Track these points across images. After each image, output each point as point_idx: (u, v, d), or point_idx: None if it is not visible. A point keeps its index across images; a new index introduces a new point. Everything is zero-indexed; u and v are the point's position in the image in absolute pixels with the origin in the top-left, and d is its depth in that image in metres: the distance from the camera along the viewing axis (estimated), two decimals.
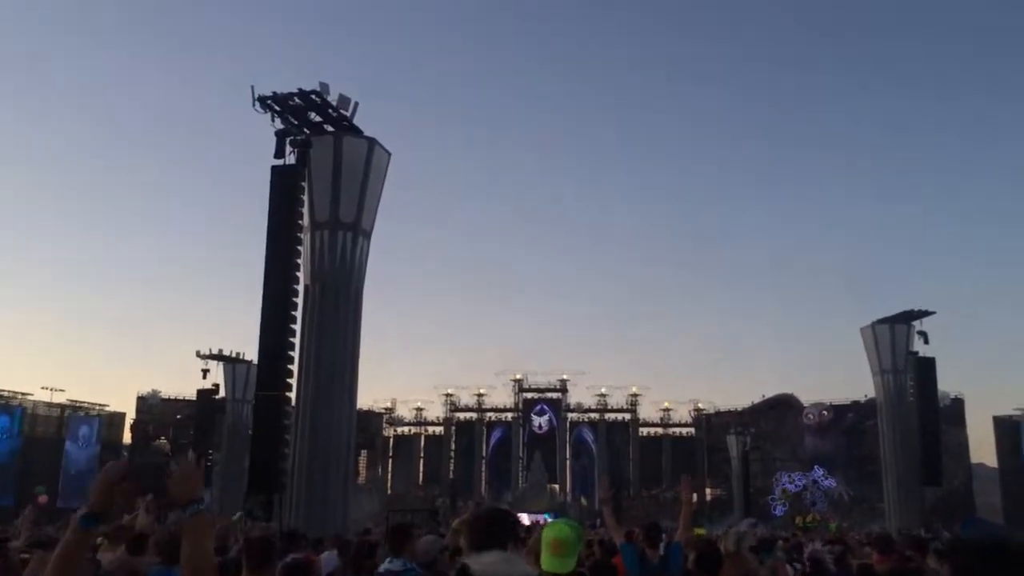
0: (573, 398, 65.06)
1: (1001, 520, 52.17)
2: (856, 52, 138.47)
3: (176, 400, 56.01)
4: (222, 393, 44.22)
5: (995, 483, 58.19)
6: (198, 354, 42.18)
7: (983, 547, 2.51)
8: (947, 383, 45.13)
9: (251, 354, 41.51)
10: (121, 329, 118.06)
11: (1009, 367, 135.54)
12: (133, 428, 57.05)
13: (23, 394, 52.00)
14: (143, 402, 57.00)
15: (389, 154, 24.96)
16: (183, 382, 77.45)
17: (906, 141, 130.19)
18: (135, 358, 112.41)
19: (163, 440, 57.26)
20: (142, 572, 5.28)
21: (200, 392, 43.87)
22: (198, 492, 2.70)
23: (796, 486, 55.94)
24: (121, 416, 57.23)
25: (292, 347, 21.57)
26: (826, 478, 55.37)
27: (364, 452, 59.62)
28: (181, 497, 2.68)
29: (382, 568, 5.44)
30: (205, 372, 42.28)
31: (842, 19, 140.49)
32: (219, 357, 43.19)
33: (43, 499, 36.55)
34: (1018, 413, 56.54)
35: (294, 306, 21.78)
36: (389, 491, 61.10)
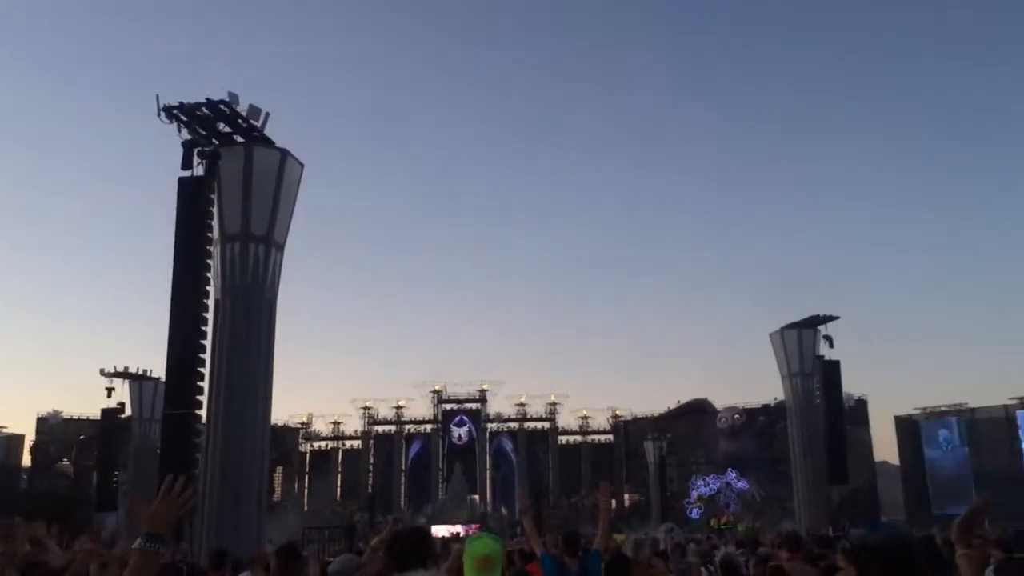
0: (492, 408, 65.22)
1: (903, 515, 54.56)
2: (769, 53, 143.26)
3: (79, 420, 53.76)
4: (128, 412, 42.65)
5: (897, 480, 60.73)
6: (102, 372, 40.53)
7: (883, 548, 2.64)
8: (851, 385, 46.95)
9: (158, 371, 40.23)
10: (19, 348, 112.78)
11: (909, 369, 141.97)
12: (33, 450, 54.51)
13: None
14: (43, 423, 54.55)
15: (302, 165, 24.52)
16: (86, 402, 74.55)
17: (813, 148, 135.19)
18: (34, 378, 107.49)
19: (66, 462, 54.90)
20: None
21: (104, 411, 42.15)
22: (164, 527, 2.60)
23: (711, 489, 57.21)
24: (20, 438, 54.64)
25: (202, 363, 20.89)
26: (739, 480, 56.79)
27: (280, 469, 58.38)
28: (151, 524, 2.58)
29: None
30: (110, 391, 40.64)
31: (745, 20, 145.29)
32: (124, 375, 41.62)
33: None
34: (918, 412, 59.21)
35: (204, 321, 21.11)
36: (306, 507, 59.89)
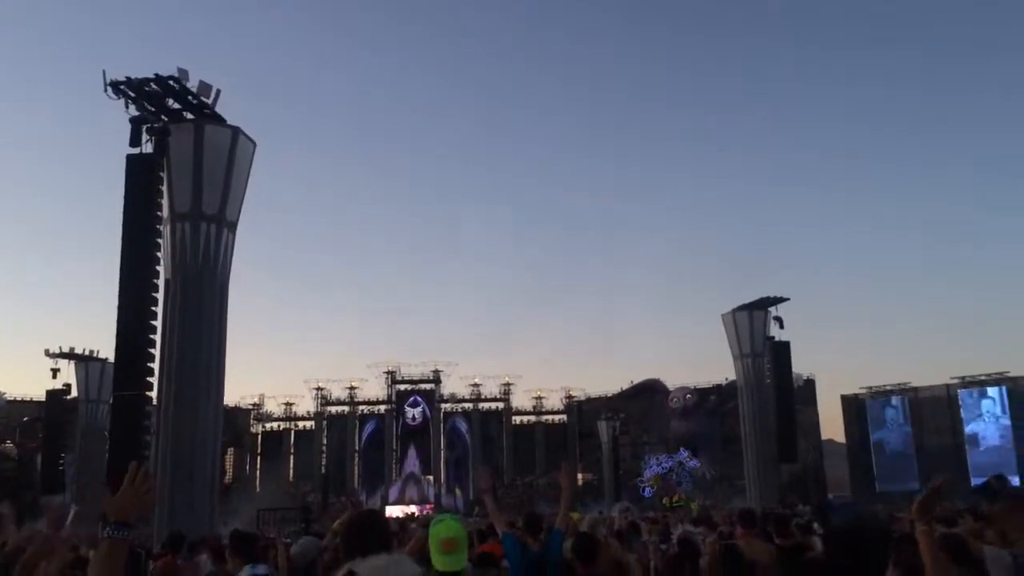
0: (447, 389, 65.14)
1: (849, 492, 55.95)
2: (727, 41, 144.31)
3: (22, 402, 52.48)
4: (74, 393, 41.80)
5: (843, 458, 62.15)
6: (47, 352, 39.63)
7: (861, 531, 2.70)
8: (800, 365, 47.87)
9: (106, 352, 39.43)
10: None
11: (855, 349, 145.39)
12: None
13: None
14: None
15: (254, 144, 24.16)
16: (30, 383, 72.79)
17: (766, 134, 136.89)
18: None
19: (9, 444, 53.61)
20: None
21: (50, 393, 41.26)
22: (133, 516, 2.55)
23: (663, 468, 57.98)
24: None
25: (152, 344, 20.54)
26: (691, 459, 57.64)
27: (231, 450, 57.70)
28: (117, 513, 2.53)
29: (246, 573, 5.24)
30: (55, 371, 39.81)
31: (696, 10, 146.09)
32: (70, 356, 40.74)
33: None
34: (863, 392, 60.58)
35: (154, 301, 20.74)
36: (258, 489, 59.37)
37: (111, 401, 24.73)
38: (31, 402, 50.56)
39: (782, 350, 40.69)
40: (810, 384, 57.93)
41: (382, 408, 64.41)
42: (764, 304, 41.07)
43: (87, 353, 41.15)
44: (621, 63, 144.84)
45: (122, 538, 2.53)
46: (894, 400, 58.58)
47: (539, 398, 66.78)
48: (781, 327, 40.54)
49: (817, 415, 58.76)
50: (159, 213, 21.53)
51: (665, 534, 10.05)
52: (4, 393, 53.28)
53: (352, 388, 64.22)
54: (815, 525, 12.17)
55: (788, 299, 40.72)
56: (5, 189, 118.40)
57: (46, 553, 4.96)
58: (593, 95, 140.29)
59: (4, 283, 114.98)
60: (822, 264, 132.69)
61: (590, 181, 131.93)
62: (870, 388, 60.40)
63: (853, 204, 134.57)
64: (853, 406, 60.15)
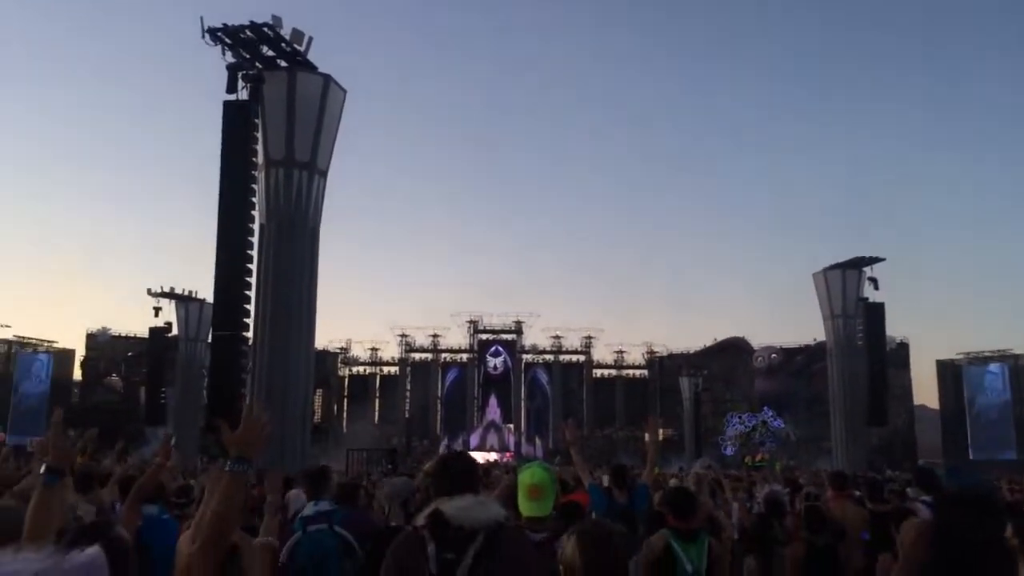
0: (528, 340, 65.62)
1: (940, 459, 54.34)
2: None
3: (127, 338, 55.21)
4: (175, 331, 43.71)
5: (935, 424, 60.33)
6: (149, 292, 41.46)
7: (968, 499, 2.58)
8: (893, 327, 46.35)
9: (203, 292, 41.04)
10: (70, 265, 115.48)
11: (953, 313, 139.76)
12: (83, 365, 56.26)
13: None
14: (93, 339, 56.10)
15: (345, 91, 24.40)
16: (133, 320, 76.44)
17: (866, 85, 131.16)
18: (84, 295, 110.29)
19: (115, 377, 56.63)
20: (107, 505, 5.22)
21: (152, 330, 43.31)
22: (253, 451, 2.64)
23: (746, 427, 57.39)
24: (71, 353, 56.36)
25: (248, 286, 21.24)
26: (775, 419, 56.83)
27: (320, 392, 59.63)
28: (237, 448, 2.61)
29: (309, 510, 5.31)
30: (157, 310, 41.70)
31: None
32: (171, 295, 42.51)
33: (1, 436, 35.91)
34: (960, 358, 58.42)
35: (250, 245, 21.37)
36: (344, 431, 61.31)
37: (210, 340, 25.75)
38: (134, 338, 53.16)
39: (875, 312, 39.41)
40: (903, 347, 56.24)
41: (464, 357, 65.35)
42: (858, 264, 39.73)
43: (187, 293, 42.84)
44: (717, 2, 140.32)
45: (243, 472, 2.62)
46: (993, 367, 56.35)
47: (620, 352, 66.69)
48: (876, 288, 39.23)
49: (910, 379, 57.15)
50: (254, 159, 22.04)
51: (750, 493, 9.93)
52: (109, 329, 56.12)
53: (436, 336, 65.31)
54: (908, 490, 11.85)
55: (884, 259, 39.28)
56: (110, 134, 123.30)
57: (157, 481, 5.22)
58: (701, 35, 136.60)
59: (110, 224, 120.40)
60: (922, 223, 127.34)
61: (679, 125, 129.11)
62: (968, 354, 58.21)
63: (957, 162, 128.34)
64: (949, 371, 58.15)
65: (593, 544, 2.73)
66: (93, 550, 1.61)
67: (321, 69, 23.90)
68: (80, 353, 56.33)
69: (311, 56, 23.63)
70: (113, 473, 6.57)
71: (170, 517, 5.59)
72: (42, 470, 2.83)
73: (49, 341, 55.61)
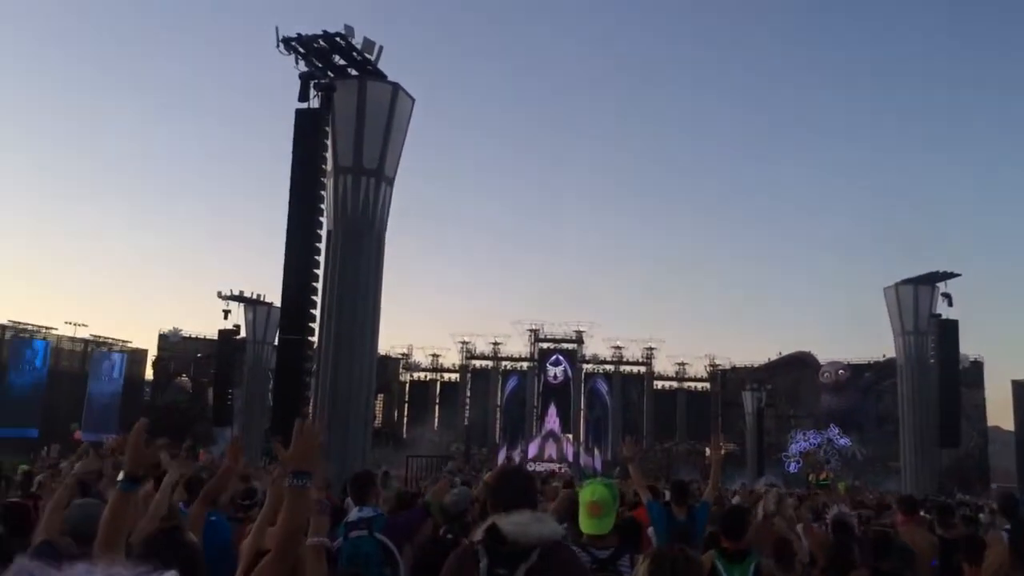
0: (589, 349, 65.33)
1: (1015, 483, 52.29)
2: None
3: (197, 339, 56.65)
4: (243, 334, 44.73)
5: (1010, 447, 58.13)
6: (219, 295, 42.54)
7: None
8: (967, 345, 44.81)
9: (271, 296, 41.94)
10: (145, 267, 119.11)
11: None
12: (155, 365, 57.91)
13: (47, 328, 52.73)
14: (164, 340, 57.72)
15: (413, 100, 24.68)
16: (203, 321, 78.47)
17: (941, 97, 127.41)
18: (157, 296, 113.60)
19: (184, 378, 58.16)
20: (176, 510, 5.36)
21: (221, 332, 44.42)
22: (312, 464, 2.69)
23: (811, 444, 56.17)
24: (143, 353, 58.05)
25: (315, 291, 21.67)
26: (841, 436, 55.47)
27: (380, 396, 60.30)
28: (294, 464, 2.68)
29: (352, 516, 5.37)
30: (226, 313, 42.76)
31: None
32: (240, 298, 43.54)
33: (78, 434, 37.28)
34: None
35: (317, 251, 21.80)
36: (405, 436, 61.86)
37: (276, 343, 26.28)
38: (203, 339, 54.54)
39: (949, 329, 38.22)
40: (977, 366, 54.40)
41: (524, 365, 65.39)
42: (932, 279, 38.57)
43: (255, 297, 43.82)
44: (778, 14, 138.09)
45: (303, 486, 2.66)
46: None
47: (682, 364, 65.94)
48: (950, 304, 38.06)
49: (984, 399, 55.19)
50: (324, 166, 22.48)
51: (818, 513, 9.70)
52: (181, 330, 57.70)
53: (496, 344, 65.52)
54: (981, 516, 11.44)
55: (959, 275, 38.07)
56: (186, 139, 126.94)
57: (226, 484, 5.36)
58: (763, 47, 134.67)
59: (183, 227, 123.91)
60: (999, 238, 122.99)
61: (747, 136, 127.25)
62: None
63: None
64: None
65: (667, 569, 2.72)
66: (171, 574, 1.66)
67: (391, 78, 24.27)
68: (152, 353, 58.02)
69: (381, 65, 24.02)
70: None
71: (219, 518, 5.72)
72: (120, 476, 2.89)
73: (123, 341, 57.42)
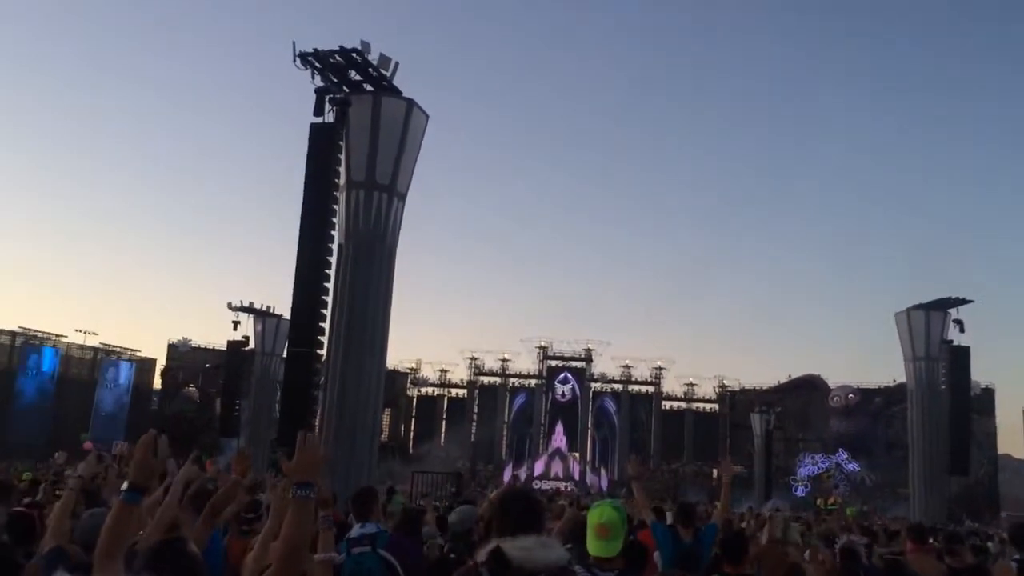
0: (597, 368, 65.10)
1: None
2: (914, 22, 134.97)
3: (206, 349, 56.77)
4: (251, 345, 44.79)
5: (1021, 475, 57.69)
6: (229, 306, 42.65)
7: None
8: (978, 372, 44.51)
9: (281, 308, 42.01)
10: (155, 276, 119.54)
11: None
12: (163, 374, 58.01)
13: (57, 335, 52.94)
14: (174, 349, 57.83)
15: (427, 116, 24.81)
16: (212, 332, 78.68)
17: (957, 119, 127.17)
18: (167, 306, 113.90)
19: (192, 388, 58.22)
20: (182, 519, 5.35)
21: (230, 343, 44.50)
22: (314, 475, 2.70)
23: (819, 468, 55.79)
24: (152, 362, 58.16)
25: (324, 305, 21.73)
26: (849, 461, 55.09)
27: (388, 411, 60.27)
28: (297, 475, 2.69)
29: (354, 532, 5.35)
30: (236, 324, 42.85)
31: None
32: (250, 310, 43.65)
33: (88, 445, 37.24)
34: None
35: (328, 264, 21.89)
36: (411, 451, 61.73)
37: (285, 355, 26.32)
38: (213, 350, 54.64)
39: (961, 355, 38.00)
40: (988, 393, 54.02)
41: (533, 382, 65.23)
42: (944, 305, 38.40)
43: (265, 308, 43.93)
44: (792, 32, 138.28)
45: (307, 497, 2.67)
46: None
47: (690, 385, 65.67)
48: (961, 331, 37.86)
49: (995, 427, 54.79)
50: (336, 180, 22.59)
51: (828, 539, 9.62)
52: (190, 340, 57.84)
53: (504, 360, 65.40)
54: (990, 544, 11.33)
55: (972, 301, 37.89)
56: (199, 149, 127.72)
57: (232, 497, 5.34)
58: (762, 67, 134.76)
59: (194, 237, 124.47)
60: (1012, 265, 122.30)
61: (759, 158, 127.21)
62: None
63: None
64: None
65: None
66: None
67: (405, 94, 24.41)
68: (161, 362, 58.14)
69: (396, 81, 24.16)
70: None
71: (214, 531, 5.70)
72: (124, 487, 2.88)
73: (132, 349, 57.60)
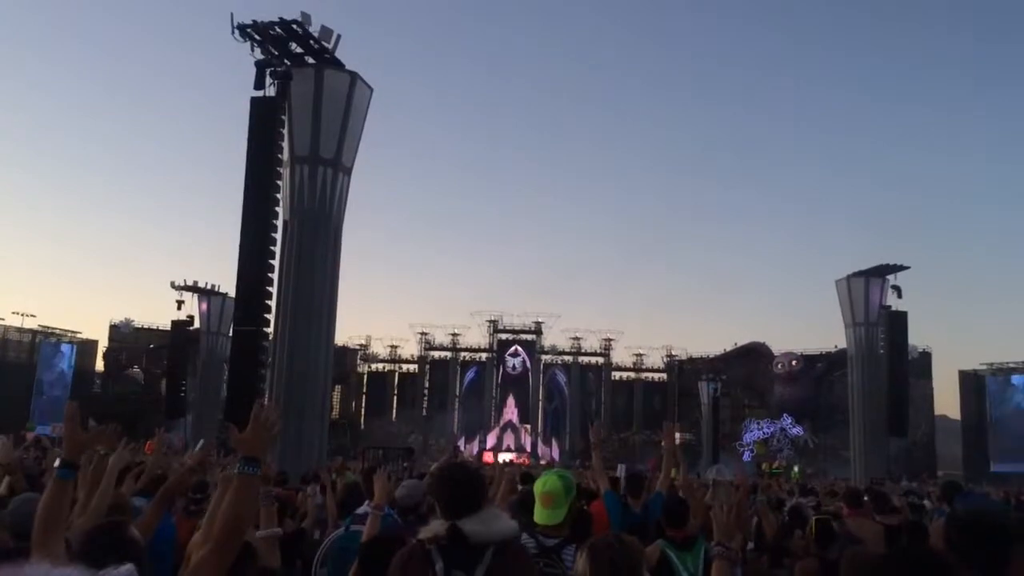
0: (547, 341, 65.53)
1: (961, 470, 53.75)
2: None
3: (149, 330, 55.71)
4: (196, 324, 44.06)
5: (956, 436, 59.71)
6: (172, 285, 41.87)
7: (973, 522, 2.59)
8: (916, 336, 45.98)
9: (226, 287, 41.36)
10: (94, 256, 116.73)
11: (976, 324, 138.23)
12: (106, 356, 56.83)
13: None
14: (116, 331, 56.67)
15: (371, 89, 24.45)
16: (156, 312, 77.18)
17: (903, 93, 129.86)
18: (108, 286, 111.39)
19: (136, 369, 57.16)
20: (126, 504, 5.26)
21: (175, 323, 43.70)
22: (262, 452, 2.65)
23: (764, 433, 57.09)
24: (94, 344, 56.96)
25: (270, 282, 21.41)
26: (793, 426, 56.48)
27: (338, 388, 59.92)
28: (245, 449, 2.63)
29: (360, 510, 5.43)
30: (180, 303, 42.11)
31: None
32: (194, 289, 42.90)
33: (31, 435, 36.23)
34: (983, 368, 57.76)
35: (273, 241, 21.54)
36: (362, 427, 61.56)
37: (231, 334, 25.96)
38: (156, 330, 53.69)
39: (898, 321, 39.11)
40: (925, 357, 55.75)
41: (483, 356, 65.38)
42: (882, 271, 39.42)
43: (209, 287, 43.19)
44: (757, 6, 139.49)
45: (252, 473, 2.61)
46: (1016, 378, 55.70)
47: (639, 355, 66.49)
48: (899, 296, 38.98)
49: (932, 389, 56.61)
50: (280, 156, 22.19)
51: (777, 501, 9.85)
52: (132, 321, 56.68)
53: (455, 335, 65.39)
54: (926, 503, 11.71)
55: (908, 267, 38.99)
56: (137, 127, 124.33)
57: (186, 483, 5.31)
58: (722, 36, 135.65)
59: (135, 216, 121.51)
60: (947, 232, 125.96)
61: (704, 131, 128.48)
62: (991, 364, 57.56)
63: (983, 170, 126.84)
64: (971, 382, 57.54)
65: (603, 557, 2.74)
66: (127, 569, 1.63)
67: (348, 67, 24.00)
68: (103, 344, 56.92)
69: (338, 54, 23.75)
70: (131, 467, 6.63)
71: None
72: (56, 463, 2.83)
73: (73, 331, 56.27)
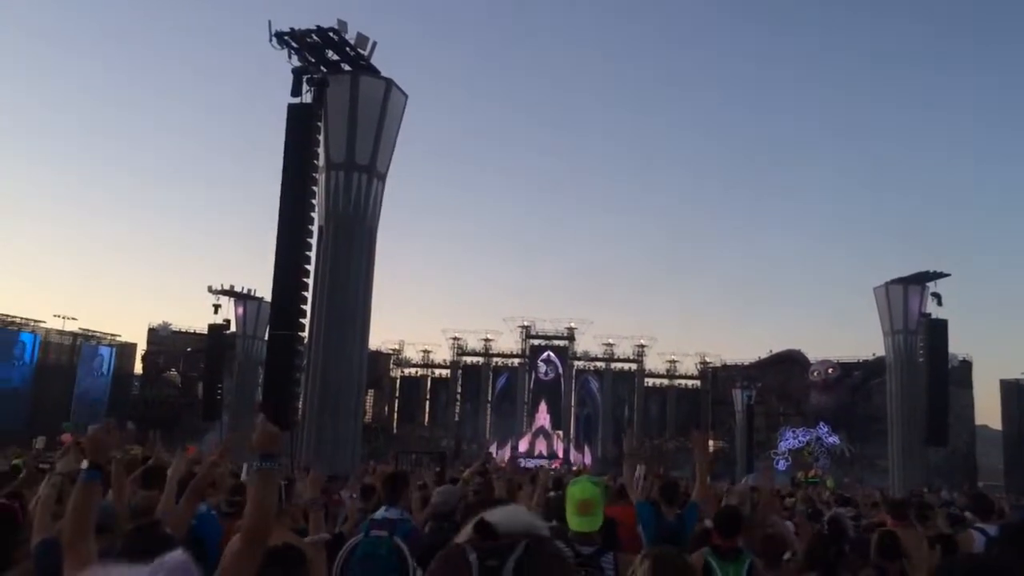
0: (580, 347, 65.26)
1: (1002, 481, 52.62)
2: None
3: (187, 333, 56.38)
4: (233, 328, 44.54)
5: (997, 446, 58.48)
6: (210, 289, 42.38)
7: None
8: (956, 345, 45.10)
9: (262, 291, 41.77)
10: (134, 260, 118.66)
11: (1019, 332, 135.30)
12: (144, 359, 57.60)
13: (36, 321, 52.36)
14: (154, 334, 57.43)
15: (406, 96, 24.66)
16: (193, 315, 78.31)
17: (936, 96, 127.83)
18: (147, 289, 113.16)
19: (173, 372, 57.90)
20: (153, 506, 5.34)
21: (211, 327, 44.23)
22: (276, 448, 2.76)
23: (799, 442, 56.40)
24: (132, 347, 57.73)
25: (305, 287, 21.63)
26: (830, 435, 55.74)
27: (371, 392, 60.18)
28: (261, 447, 2.75)
29: (378, 515, 5.39)
30: (217, 307, 42.61)
31: None
32: (230, 293, 43.38)
33: (67, 437, 36.90)
34: None
35: (308, 246, 21.76)
36: (395, 431, 61.81)
37: (267, 338, 26.25)
38: (194, 334, 54.32)
39: (938, 329, 38.40)
40: (966, 366, 54.68)
41: (515, 362, 65.29)
42: (922, 279, 38.74)
43: (246, 291, 43.65)
44: (790, 11, 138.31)
45: (271, 468, 2.72)
46: None
47: (673, 361, 65.96)
48: (939, 304, 38.25)
49: (972, 399, 55.50)
50: (316, 161, 22.42)
51: (815, 511, 9.71)
52: (170, 324, 57.44)
53: (487, 340, 65.41)
54: (967, 514, 11.48)
55: (949, 274, 38.27)
56: (178, 133, 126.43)
57: (211, 477, 5.35)
58: (760, 39, 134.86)
59: (174, 221, 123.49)
60: (989, 240, 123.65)
61: (742, 137, 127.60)
62: None
63: None
64: (1014, 391, 56.32)
65: (668, 570, 2.75)
66: (179, 553, 1.67)
67: (383, 74, 24.22)
68: (142, 347, 57.71)
69: (374, 61, 23.97)
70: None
71: (210, 511, 5.71)
72: (84, 465, 2.88)
73: (112, 334, 57.12)
